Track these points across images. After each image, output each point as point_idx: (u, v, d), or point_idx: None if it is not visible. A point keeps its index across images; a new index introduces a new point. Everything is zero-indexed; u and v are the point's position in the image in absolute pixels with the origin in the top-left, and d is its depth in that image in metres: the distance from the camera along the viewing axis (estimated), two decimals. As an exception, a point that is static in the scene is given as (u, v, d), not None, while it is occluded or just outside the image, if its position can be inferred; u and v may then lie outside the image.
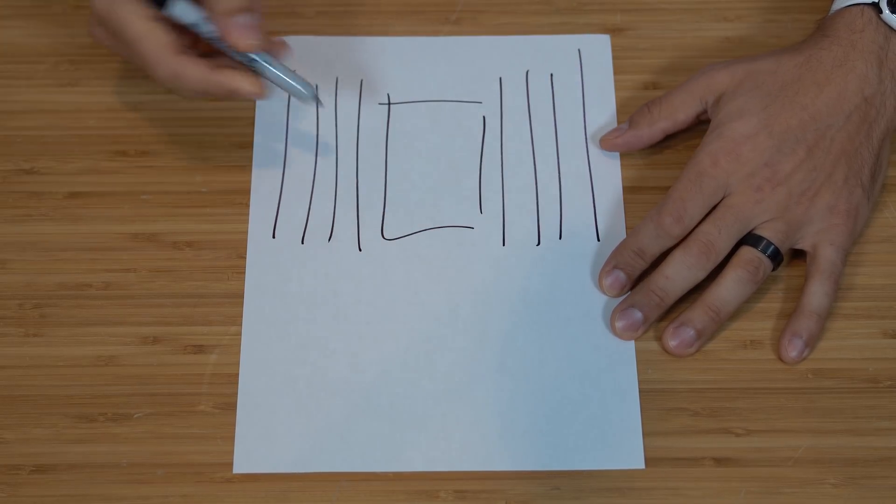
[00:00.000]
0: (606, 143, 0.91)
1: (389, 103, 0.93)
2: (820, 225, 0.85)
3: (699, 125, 0.90)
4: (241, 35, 0.82)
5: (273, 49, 0.84)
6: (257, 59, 0.84)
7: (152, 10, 0.82)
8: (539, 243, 0.88)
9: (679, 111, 0.89)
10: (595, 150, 0.91)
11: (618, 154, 0.91)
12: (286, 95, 0.91)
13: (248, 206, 0.89)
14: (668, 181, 0.87)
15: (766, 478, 0.80)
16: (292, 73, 0.85)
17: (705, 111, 0.89)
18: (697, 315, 0.83)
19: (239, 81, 0.83)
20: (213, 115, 0.92)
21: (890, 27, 0.86)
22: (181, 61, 0.82)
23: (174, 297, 0.85)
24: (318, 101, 0.87)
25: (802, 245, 0.85)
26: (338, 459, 0.80)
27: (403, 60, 0.94)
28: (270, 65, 0.84)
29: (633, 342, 0.84)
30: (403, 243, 0.88)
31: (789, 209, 0.84)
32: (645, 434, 0.81)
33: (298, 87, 0.85)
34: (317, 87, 0.90)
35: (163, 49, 0.82)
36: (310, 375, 0.83)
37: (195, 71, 0.82)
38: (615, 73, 0.94)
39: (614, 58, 0.95)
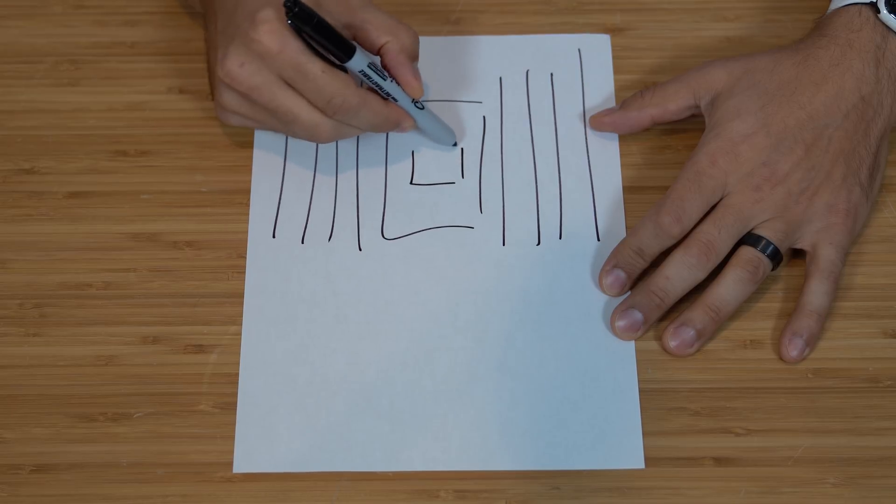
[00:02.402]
0: (595, 120, 0.91)
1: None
2: (819, 224, 0.85)
3: (691, 119, 0.90)
4: (415, 83, 0.86)
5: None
6: (423, 107, 0.88)
7: None
8: (539, 243, 0.88)
9: (670, 101, 0.89)
10: (595, 150, 0.91)
11: (618, 154, 0.91)
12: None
13: (248, 206, 0.89)
14: (668, 181, 0.87)
15: (766, 478, 0.79)
16: (439, 120, 0.90)
17: (697, 106, 0.89)
18: (697, 315, 0.83)
19: (404, 118, 0.87)
20: (213, 114, 0.92)
21: (887, 27, 0.86)
22: (365, 94, 0.84)
23: (174, 297, 0.85)
24: (455, 145, 0.91)
25: (802, 244, 0.85)
26: (338, 459, 0.80)
27: (403, 60, 0.95)
28: (432, 114, 0.89)
29: (633, 342, 0.84)
30: (403, 243, 0.88)
31: (788, 208, 0.84)
32: (645, 434, 0.81)
33: (442, 133, 0.90)
34: (462, 157, 0.92)
35: (349, 81, 0.83)
36: (310, 375, 0.83)
37: (376, 103, 0.85)
38: (615, 72, 0.94)
39: (614, 57, 0.95)
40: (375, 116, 0.85)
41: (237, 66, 0.83)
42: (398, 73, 0.86)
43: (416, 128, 0.89)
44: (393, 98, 0.86)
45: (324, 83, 0.82)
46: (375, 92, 0.86)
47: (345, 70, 0.84)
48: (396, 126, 0.87)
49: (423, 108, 0.88)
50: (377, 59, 0.86)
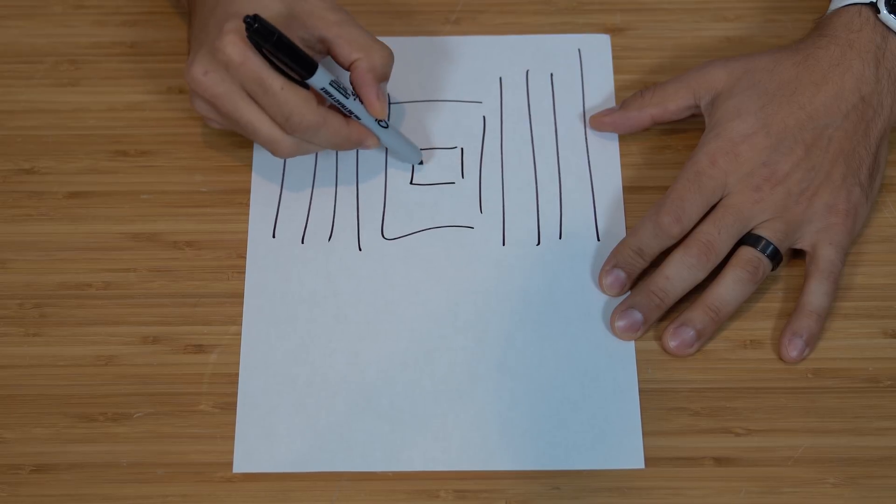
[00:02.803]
0: (595, 120, 0.91)
1: (389, 103, 0.93)
2: (819, 224, 0.85)
3: (691, 119, 0.90)
4: (378, 105, 0.85)
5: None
6: (385, 126, 0.87)
7: None
8: (539, 243, 0.88)
9: (670, 100, 0.89)
10: (595, 150, 0.91)
11: (618, 154, 0.91)
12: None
13: (248, 206, 0.89)
14: (668, 181, 0.87)
15: (766, 478, 0.79)
16: (409, 142, 0.90)
17: (697, 106, 0.89)
18: (697, 315, 0.83)
19: (366, 137, 0.87)
20: (213, 115, 0.92)
21: (887, 27, 0.86)
22: (325, 112, 0.84)
23: (174, 297, 0.85)
24: (421, 163, 0.91)
25: (801, 244, 0.85)
26: (338, 459, 0.80)
27: (403, 60, 0.94)
28: (397, 133, 0.89)
29: (633, 342, 0.84)
30: (403, 243, 0.88)
31: (788, 209, 0.84)
32: (645, 434, 0.81)
33: (408, 151, 0.90)
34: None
35: (309, 99, 0.83)
36: (310, 375, 0.83)
37: (336, 122, 0.84)
38: (615, 72, 0.94)
39: (614, 57, 0.95)
40: (335, 136, 0.85)
41: (201, 74, 0.83)
42: (362, 92, 0.85)
43: (380, 146, 0.88)
44: (356, 116, 0.86)
45: (283, 100, 0.82)
46: (338, 110, 0.85)
47: (308, 87, 0.84)
48: (358, 144, 0.86)
49: (387, 127, 0.87)
50: (347, 75, 0.86)
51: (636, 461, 0.80)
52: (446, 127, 0.92)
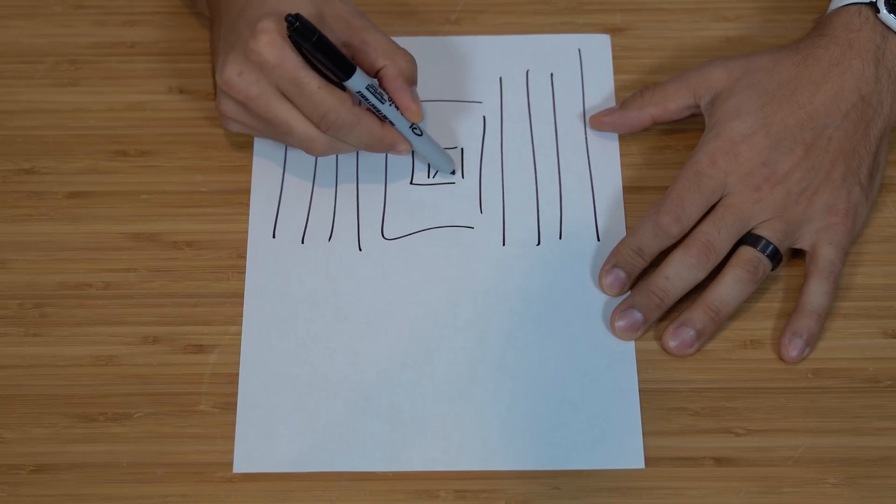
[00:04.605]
0: (595, 120, 0.91)
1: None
2: (819, 224, 0.85)
3: (691, 119, 0.90)
4: (414, 107, 0.85)
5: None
6: (419, 132, 0.87)
7: None
8: (539, 243, 0.88)
9: (670, 100, 0.89)
10: (595, 150, 0.91)
11: (618, 154, 0.91)
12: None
13: (248, 206, 0.89)
14: (668, 181, 0.87)
15: (766, 478, 0.80)
16: (442, 150, 0.90)
17: (697, 105, 0.89)
18: (697, 315, 0.83)
19: (399, 140, 0.87)
20: (213, 115, 0.92)
21: (887, 26, 0.86)
22: (360, 112, 0.84)
23: (174, 297, 0.85)
24: (452, 173, 0.90)
25: (801, 244, 0.85)
26: (338, 459, 0.80)
27: (403, 60, 0.95)
28: (429, 139, 0.88)
29: (633, 342, 0.84)
30: (403, 243, 0.88)
31: (788, 208, 0.84)
32: (645, 434, 0.81)
33: (440, 160, 0.89)
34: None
35: (345, 98, 0.83)
36: (310, 375, 0.83)
37: (371, 122, 0.85)
38: (615, 72, 0.94)
39: (614, 57, 0.95)
40: (369, 136, 0.85)
41: (235, 75, 0.83)
42: (397, 97, 0.85)
43: (412, 152, 0.89)
44: (390, 121, 0.86)
45: (320, 99, 0.82)
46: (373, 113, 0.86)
47: (343, 88, 0.84)
48: (391, 148, 0.86)
49: (421, 135, 0.87)
50: (375, 82, 0.86)
51: (636, 461, 0.80)
52: (446, 127, 0.92)
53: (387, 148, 0.86)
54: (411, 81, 0.86)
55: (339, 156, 0.91)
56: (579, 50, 0.95)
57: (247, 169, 0.90)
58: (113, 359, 0.83)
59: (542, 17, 0.97)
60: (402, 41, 0.95)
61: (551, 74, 0.94)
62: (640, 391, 0.82)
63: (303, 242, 0.88)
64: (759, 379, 0.83)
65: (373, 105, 0.85)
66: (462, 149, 0.91)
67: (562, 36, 0.96)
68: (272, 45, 0.81)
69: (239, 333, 0.84)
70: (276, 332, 0.84)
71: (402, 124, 0.86)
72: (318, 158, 0.91)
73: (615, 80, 0.94)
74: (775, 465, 0.80)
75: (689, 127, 0.91)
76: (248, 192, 0.89)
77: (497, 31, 0.96)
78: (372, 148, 0.86)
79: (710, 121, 0.87)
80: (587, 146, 0.91)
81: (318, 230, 0.88)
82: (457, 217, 0.89)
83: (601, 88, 0.94)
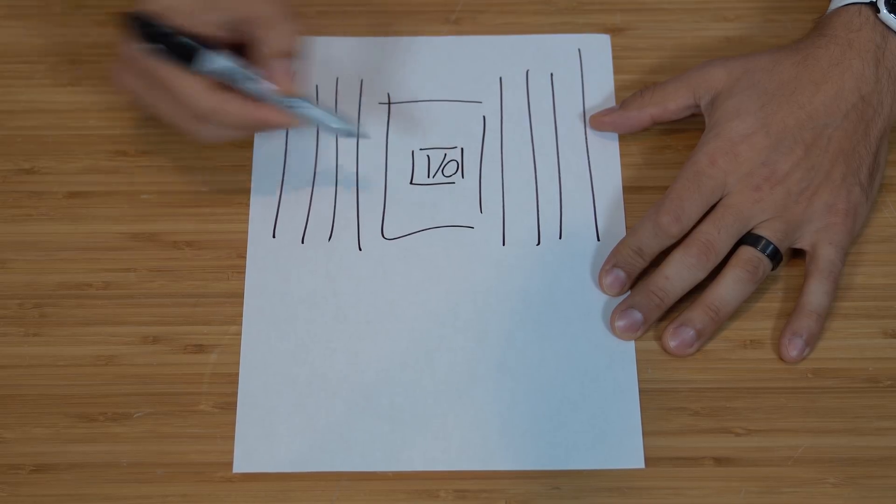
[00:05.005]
0: (595, 120, 0.91)
1: (389, 103, 0.93)
2: (819, 224, 0.85)
3: (691, 119, 0.90)
4: (286, 79, 0.83)
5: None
6: (299, 102, 0.84)
7: None
8: (539, 243, 0.88)
9: (670, 100, 0.89)
10: (595, 150, 0.91)
11: (618, 154, 0.91)
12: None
13: (248, 206, 0.89)
14: (668, 181, 0.87)
15: (766, 477, 0.80)
16: (333, 114, 0.85)
17: (697, 105, 0.89)
18: (697, 315, 0.83)
19: (276, 116, 0.83)
20: (213, 115, 0.92)
21: (887, 26, 0.86)
22: (223, 95, 0.82)
23: (174, 297, 0.85)
24: (360, 135, 0.88)
25: (801, 244, 0.85)
26: (338, 459, 0.80)
27: (403, 60, 0.95)
28: (311, 107, 0.84)
29: (633, 342, 0.84)
30: (403, 243, 0.88)
31: (788, 208, 0.84)
32: (645, 434, 0.81)
33: (340, 126, 0.85)
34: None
35: (203, 83, 0.82)
36: (310, 375, 0.83)
37: (236, 104, 0.83)
38: (615, 72, 0.94)
39: (614, 57, 0.95)
40: (239, 118, 0.83)
41: (118, 76, 0.84)
42: (268, 71, 0.83)
43: (299, 124, 0.84)
44: (274, 98, 0.83)
45: (178, 91, 0.82)
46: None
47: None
48: (267, 124, 0.84)
49: (296, 105, 0.83)
50: (231, 63, 0.83)
51: (636, 461, 0.80)
52: (446, 127, 0.92)
53: (264, 125, 0.84)
54: (284, 53, 0.83)
55: (340, 155, 0.91)
56: (579, 50, 0.95)
57: (247, 169, 0.90)
58: (113, 359, 0.83)
59: (542, 17, 0.97)
60: (403, 41, 0.95)
61: (551, 74, 0.94)
62: (640, 391, 0.82)
63: (303, 242, 0.88)
64: (759, 379, 0.83)
65: (244, 85, 0.83)
66: (462, 149, 0.91)
67: (562, 36, 0.96)
68: (129, 44, 0.82)
69: (239, 333, 0.84)
70: (275, 332, 0.84)
71: (280, 98, 0.83)
72: (318, 154, 0.91)
73: (615, 80, 0.94)
74: (775, 465, 0.80)
75: (689, 127, 0.91)
76: (248, 192, 0.89)
77: (497, 31, 0.96)
78: (251, 128, 0.85)
79: (710, 121, 0.87)
80: (587, 146, 0.91)
81: (318, 230, 0.88)
82: (457, 217, 0.89)
83: (601, 88, 0.94)
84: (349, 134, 0.85)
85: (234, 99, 0.83)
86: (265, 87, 0.83)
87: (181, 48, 0.82)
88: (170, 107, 0.83)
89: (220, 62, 0.82)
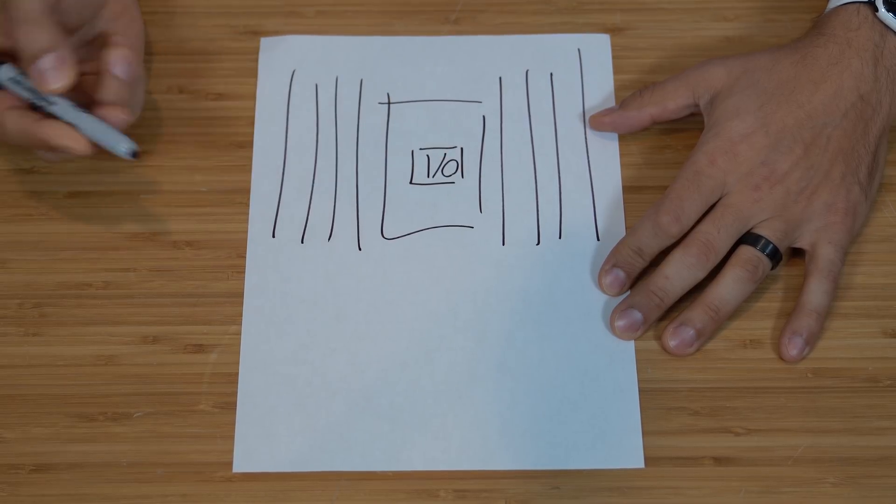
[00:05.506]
0: (594, 120, 0.91)
1: (389, 103, 0.93)
2: (818, 223, 0.85)
3: (691, 118, 0.90)
4: (43, 78, 0.80)
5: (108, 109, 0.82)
6: (65, 108, 0.81)
7: None
8: (539, 243, 0.88)
9: (669, 99, 0.89)
10: (595, 150, 0.91)
11: (617, 153, 0.91)
12: (286, 95, 0.92)
13: (248, 205, 0.89)
14: (667, 181, 0.87)
15: (766, 477, 0.80)
16: (105, 127, 0.82)
17: (696, 104, 0.89)
18: (697, 315, 0.83)
19: (60, 135, 0.80)
20: (213, 115, 0.92)
21: (885, 25, 0.86)
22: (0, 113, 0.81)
23: (174, 297, 0.85)
24: (134, 156, 0.82)
25: (801, 244, 0.85)
26: (338, 459, 0.80)
27: (403, 60, 0.95)
28: (80, 116, 0.81)
29: (632, 342, 0.84)
30: (403, 243, 0.88)
31: (787, 208, 0.84)
32: (645, 433, 0.81)
33: (112, 140, 0.81)
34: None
35: None
36: (309, 375, 0.83)
37: (13, 121, 0.81)
38: (615, 72, 0.94)
39: (614, 57, 0.95)
40: (19, 134, 0.80)
41: None
42: (27, 69, 0.81)
43: (89, 150, 0.81)
44: (59, 113, 0.81)
45: None
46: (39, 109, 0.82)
47: None
48: (49, 139, 0.80)
49: (64, 111, 0.81)
50: (14, 73, 0.82)
51: (636, 461, 0.80)
52: (446, 127, 0.92)
53: (45, 140, 0.80)
54: (44, 49, 0.79)
55: (339, 155, 0.91)
56: (579, 50, 0.95)
57: (247, 169, 0.90)
58: (113, 359, 0.83)
59: (542, 16, 0.97)
60: (403, 41, 0.95)
61: (551, 74, 0.94)
62: (640, 391, 0.82)
63: (302, 242, 0.88)
64: (759, 379, 0.83)
65: (31, 98, 0.81)
66: (462, 148, 0.91)
67: (561, 36, 0.96)
68: None
69: (239, 333, 0.84)
70: (275, 332, 0.84)
71: (69, 114, 0.81)
72: (318, 154, 0.91)
73: (615, 80, 0.94)
74: (775, 464, 0.80)
75: (689, 127, 0.91)
76: (248, 192, 0.89)
77: (497, 31, 0.96)
78: (35, 145, 0.82)
79: (710, 120, 0.87)
80: (587, 146, 0.91)
81: (318, 230, 0.88)
82: (456, 217, 0.89)
83: (601, 88, 0.94)
84: (120, 153, 0.81)
85: (13, 114, 0.81)
86: (55, 102, 0.80)
87: None
88: None
89: (4, 71, 0.81)
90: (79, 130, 0.81)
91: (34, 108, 0.82)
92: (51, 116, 0.82)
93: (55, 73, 0.80)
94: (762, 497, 0.79)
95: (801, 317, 0.83)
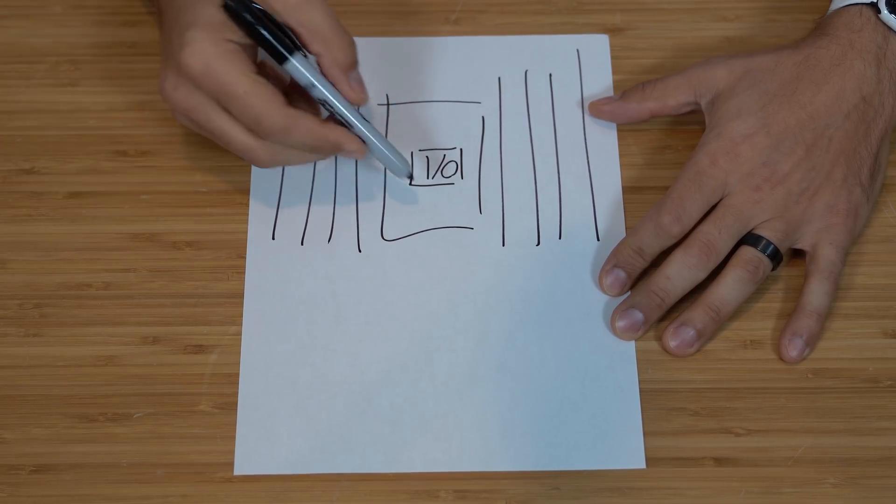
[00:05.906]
0: (594, 107, 0.91)
1: (388, 104, 0.93)
2: (819, 224, 0.85)
3: (692, 118, 0.90)
4: (355, 89, 0.83)
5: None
6: (361, 125, 0.84)
7: (255, 67, 0.81)
8: (539, 243, 0.88)
9: (670, 96, 0.89)
10: (595, 150, 0.91)
11: (617, 154, 0.91)
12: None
13: (248, 206, 0.89)
14: (668, 181, 0.87)
15: (766, 478, 0.80)
16: (391, 145, 0.86)
17: (697, 103, 0.89)
18: (697, 315, 0.83)
19: (345, 138, 0.83)
20: (213, 115, 0.92)
21: (888, 27, 0.86)
22: (294, 113, 0.81)
23: (174, 297, 0.85)
24: (410, 178, 0.88)
25: (802, 244, 0.85)
26: (338, 460, 0.80)
27: (403, 60, 0.95)
28: (372, 132, 0.84)
29: (633, 342, 0.84)
30: (403, 244, 0.88)
31: (788, 208, 0.84)
32: (645, 434, 0.81)
33: (394, 159, 0.86)
34: (412, 163, 0.90)
35: (275, 100, 0.80)
36: (310, 376, 0.83)
37: (307, 123, 0.81)
38: (614, 72, 0.94)
39: (613, 58, 0.95)
40: (309, 136, 0.81)
41: (171, 90, 0.81)
42: (331, 75, 0.82)
43: (365, 153, 0.84)
44: (347, 120, 0.83)
45: (249, 103, 0.79)
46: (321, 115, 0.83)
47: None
48: (338, 147, 0.83)
49: (371, 135, 0.84)
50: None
51: (637, 461, 0.80)
52: (445, 127, 0.92)
53: (333, 147, 0.83)
54: (347, 67, 0.83)
55: (338, 157, 0.91)
56: (578, 50, 0.95)
57: (247, 169, 0.90)
58: (113, 359, 0.83)
59: (542, 17, 0.97)
60: (403, 41, 0.95)
61: (550, 75, 0.94)
62: (641, 391, 0.82)
63: (302, 244, 0.88)
64: (759, 379, 0.83)
65: (323, 98, 0.82)
66: (461, 149, 0.91)
67: (560, 36, 0.96)
68: (196, 55, 0.79)
69: (239, 334, 0.84)
70: (276, 334, 0.84)
71: (359, 125, 0.83)
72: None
73: (614, 80, 0.94)
74: (775, 465, 0.80)
75: (690, 127, 0.91)
76: (247, 192, 0.89)
77: (496, 32, 0.96)
78: (317, 149, 0.83)
79: (711, 120, 0.87)
80: (586, 146, 0.91)
81: (318, 231, 0.88)
82: (456, 218, 0.89)
83: (600, 89, 0.94)
84: (400, 172, 0.86)
85: (307, 116, 0.81)
86: (341, 106, 0.82)
87: (272, 49, 0.80)
88: (228, 122, 0.81)
89: (303, 71, 0.81)
90: (366, 142, 0.84)
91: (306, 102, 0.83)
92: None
93: (363, 87, 0.83)
94: (762, 497, 0.79)
95: (802, 318, 0.83)
